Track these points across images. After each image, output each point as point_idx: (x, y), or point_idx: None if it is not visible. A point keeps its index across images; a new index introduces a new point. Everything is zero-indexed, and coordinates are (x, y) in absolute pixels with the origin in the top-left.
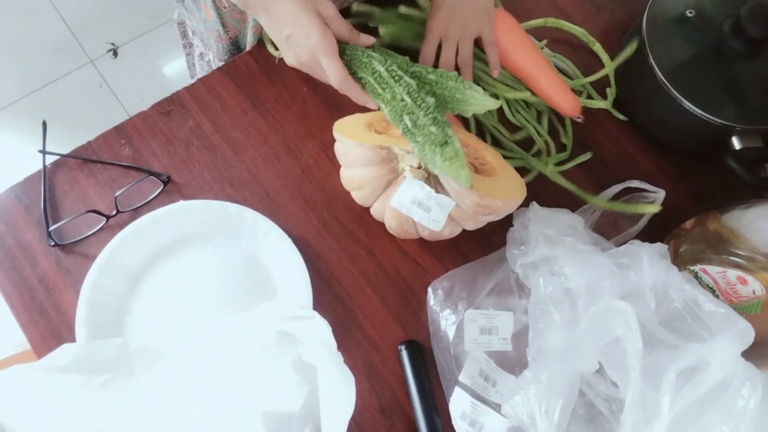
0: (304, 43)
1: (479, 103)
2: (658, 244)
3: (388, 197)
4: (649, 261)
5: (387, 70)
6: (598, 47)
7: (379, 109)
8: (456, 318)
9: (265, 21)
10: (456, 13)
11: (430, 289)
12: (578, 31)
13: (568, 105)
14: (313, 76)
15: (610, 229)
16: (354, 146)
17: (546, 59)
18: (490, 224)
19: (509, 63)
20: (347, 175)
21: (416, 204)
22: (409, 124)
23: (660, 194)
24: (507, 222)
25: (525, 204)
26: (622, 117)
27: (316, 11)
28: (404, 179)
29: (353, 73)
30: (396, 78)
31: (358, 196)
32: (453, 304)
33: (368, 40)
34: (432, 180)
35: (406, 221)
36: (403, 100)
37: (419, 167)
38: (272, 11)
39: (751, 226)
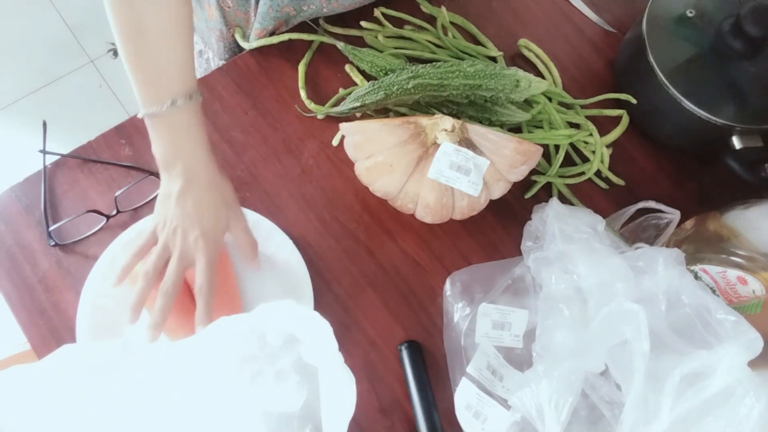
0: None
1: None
2: (675, 249)
3: (423, 173)
4: (665, 265)
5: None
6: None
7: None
8: (471, 310)
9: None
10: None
11: (448, 280)
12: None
13: None
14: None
15: (634, 237)
16: (380, 129)
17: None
18: (490, 225)
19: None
20: (373, 162)
21: (455, 168)
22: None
23: (675, 215)
24: (507, 225)
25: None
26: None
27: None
28: (439, 146)
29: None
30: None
31: (388, 184)
32: (469, 297)
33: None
34: (464, 142)
35: (445, 192)
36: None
37: (452, 129)
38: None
39: (751, 226)
